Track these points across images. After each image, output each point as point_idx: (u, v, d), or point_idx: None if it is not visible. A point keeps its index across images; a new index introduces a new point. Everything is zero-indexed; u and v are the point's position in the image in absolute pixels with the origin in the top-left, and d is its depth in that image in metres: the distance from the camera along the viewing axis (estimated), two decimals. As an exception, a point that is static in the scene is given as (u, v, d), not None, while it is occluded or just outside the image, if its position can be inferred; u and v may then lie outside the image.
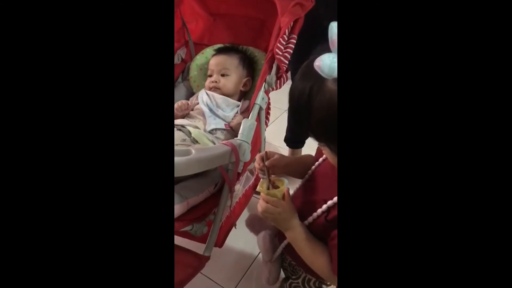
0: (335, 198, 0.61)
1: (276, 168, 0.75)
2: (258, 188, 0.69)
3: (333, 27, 0.48)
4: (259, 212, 0.66)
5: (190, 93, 1.35)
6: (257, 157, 0.75)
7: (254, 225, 0.89)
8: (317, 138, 0.57)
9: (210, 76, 1.25)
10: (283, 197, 0.66)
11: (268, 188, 0.68)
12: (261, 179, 0.72)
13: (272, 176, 0.72)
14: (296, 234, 0.65)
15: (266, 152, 0.74)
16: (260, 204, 0.66)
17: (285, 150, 1.59)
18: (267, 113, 1.12)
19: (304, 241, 0.64)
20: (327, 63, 0.47)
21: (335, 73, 0.48)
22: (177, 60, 1.35)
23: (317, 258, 0.63)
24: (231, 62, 1.22)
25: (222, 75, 1.22)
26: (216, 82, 1.21)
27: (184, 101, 1.23)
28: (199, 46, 1.39)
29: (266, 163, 0.72)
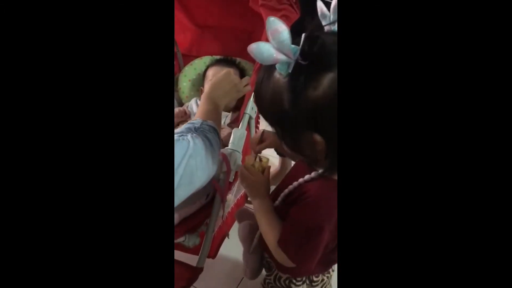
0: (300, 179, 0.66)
1: (273, 145, 0.83)
2: (245, 161, 0.78)
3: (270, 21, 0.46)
4: (238, 176, 0.76)
5: (179, 104, 1.35)
6: (254, 138, 0.83)
7: (242, 217, 0.93)
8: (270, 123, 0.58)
9: None
10: (263, 171, 0.76)
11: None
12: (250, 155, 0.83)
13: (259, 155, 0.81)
14: (261, 204, 0.72)
15: (263, 131, 0.80)
16: (241, 169, 0.76)
17: (275, 158, 1.59)
18: (257, 122, 1.12)
19: (266, 212, 0.72)
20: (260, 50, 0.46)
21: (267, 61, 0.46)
22: (165, 72, 1.35)
23: (271, 230, 0.69)
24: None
25: None
26: None
27: (181, 108, 1.22)
28: (188, 58, 1.39)
29: (261, 145, 0.81)
